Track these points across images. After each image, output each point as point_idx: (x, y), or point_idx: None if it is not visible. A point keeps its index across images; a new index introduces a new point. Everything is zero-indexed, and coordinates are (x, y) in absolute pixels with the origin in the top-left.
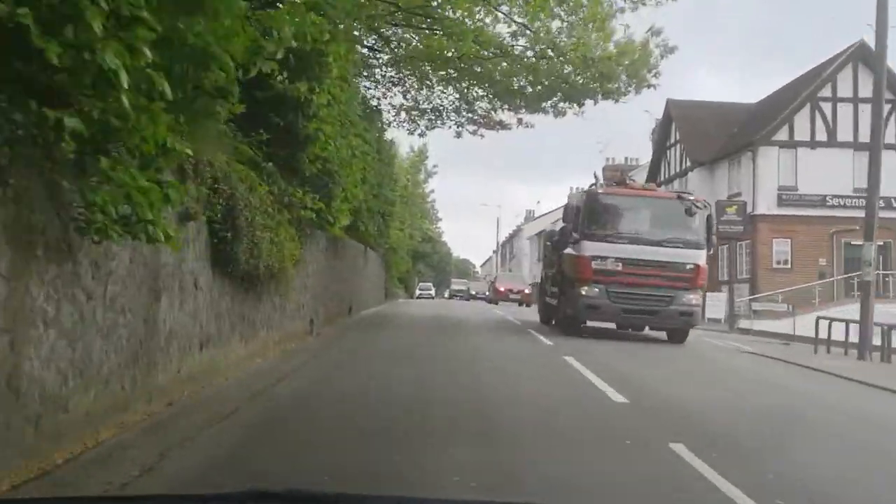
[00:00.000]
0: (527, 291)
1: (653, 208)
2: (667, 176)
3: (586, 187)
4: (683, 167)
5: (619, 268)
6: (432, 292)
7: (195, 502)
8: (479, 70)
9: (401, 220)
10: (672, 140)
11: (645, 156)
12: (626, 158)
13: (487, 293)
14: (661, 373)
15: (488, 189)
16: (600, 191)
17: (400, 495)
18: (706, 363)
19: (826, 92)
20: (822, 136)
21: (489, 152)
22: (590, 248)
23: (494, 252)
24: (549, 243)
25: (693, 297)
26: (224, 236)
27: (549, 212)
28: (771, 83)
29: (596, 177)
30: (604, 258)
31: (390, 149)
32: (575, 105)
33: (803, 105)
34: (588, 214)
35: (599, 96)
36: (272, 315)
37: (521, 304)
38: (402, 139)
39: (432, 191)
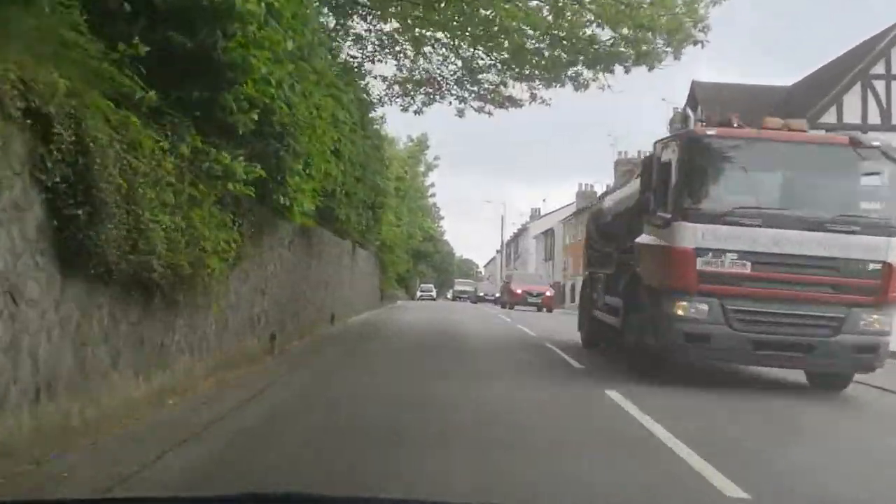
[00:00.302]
0: (549, 294)
1: (805, 163)
2: None
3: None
4: None
5: (746, 269)
6: (433, 293)
7: (194, 503)
8: (482, 28)
9: (397, 215)
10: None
11: None
12: (639, 152)
13: (498, 295)
14: (798, 452)
15: (491, 189)
16: (710, 132)
17: (399, 497)
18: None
19: (879, 68)
20: (874, 118)
21: (492, 151)
22: (693, 234)
23: (498, 252)
24: (596, 227)
25: (878, 320)
26: (72, 216)
27: (557, 209)
28: (772, 83)
29: (686, 115)
30: (719, 252)
31: (380, 126)
32: (600, 74)
33: (853, 83)
34: (688, 175)
35: (631, 60)
36: (202, 333)
37: (539, 310)
38: (398, 127)
39: (432, 184)
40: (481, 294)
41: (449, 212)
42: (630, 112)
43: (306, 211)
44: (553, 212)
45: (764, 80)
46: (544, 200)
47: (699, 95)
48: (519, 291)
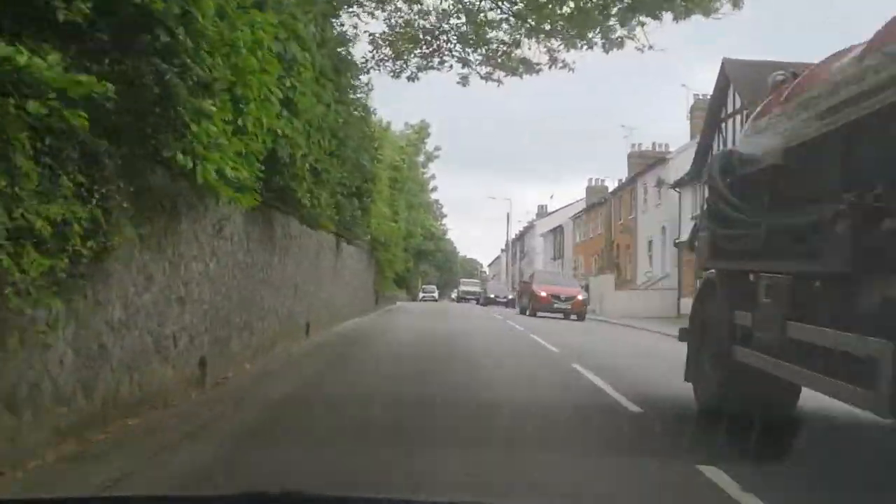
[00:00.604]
0: (580, 298)
1: None
2: None
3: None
4: None
5: None
6: (435, 294)
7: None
8: None
9: (393, 208)
10: (730, 109)
11: (679, 140)
12: (654, 144)
13: (510, 297)
14: None
15: (492, 187)
16: None
17: (400, 497)
18: None
19: None
20: None
21: (494, 148)
22: None
23: (503, 251)
24: (741, 181)
25: None
26: None
27: (565, 206)
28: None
29: None
30: None
31: (366, 95)
32: (638, 28)
33: None
34: None
35: (683, 6)
36: (35, 375)
37: (567, 317)
38: (389, 113)
39: (433, 177)
40: (491, 295)
41: (450, 210)
42: (643, 105)
43: (238, 182)
44: (561, 208)
45: (788, 58)
46: (552, 197)
47: (731, 74)
48: (543, 294)
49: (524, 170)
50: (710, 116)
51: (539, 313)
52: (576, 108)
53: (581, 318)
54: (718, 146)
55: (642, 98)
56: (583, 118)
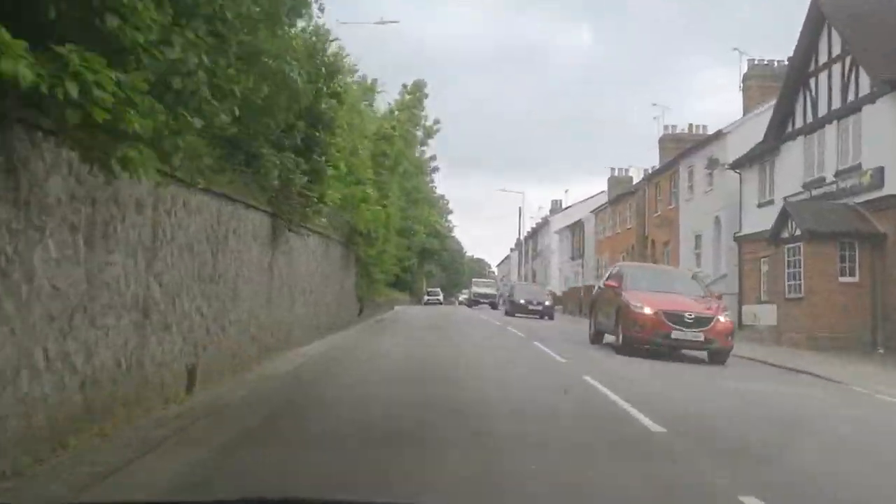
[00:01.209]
0: (723, 321)
1: None
2: (814, 117)
3: None
4: (854, 96)
5: None
6: (440, 297)
7: None
8: None
9: (381, 191)
10: (826, 57)
11: (726, 118)
12: (690, 126)
13: (548, 303)
14: None
15: (493, 189)
16: None
17: (400, 501)
18: None
19: None
20: None
21: (494, 149)
22: None
23: (513, 249)
24: None
25: None
26: None
27: (583, 200)
28: None
29: None
30: None
31: None
32: None
33: None
34: None
35: None
36: None
37: (678, 349)
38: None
39: (433, 157)
40: (521, 301)
41: (454, 210)
42: (658, 91)
43: None
44: (578, 203)
45: None
46: (566, 191)
47: (826, 10)
48: (648, 312)
49: (525, 170)
50: (793, 70)
51: (635, 344)
52: (576, 105)
53: (721, 359)
54: (805, 108)
55: (653, 87)
56: (584, 116)
